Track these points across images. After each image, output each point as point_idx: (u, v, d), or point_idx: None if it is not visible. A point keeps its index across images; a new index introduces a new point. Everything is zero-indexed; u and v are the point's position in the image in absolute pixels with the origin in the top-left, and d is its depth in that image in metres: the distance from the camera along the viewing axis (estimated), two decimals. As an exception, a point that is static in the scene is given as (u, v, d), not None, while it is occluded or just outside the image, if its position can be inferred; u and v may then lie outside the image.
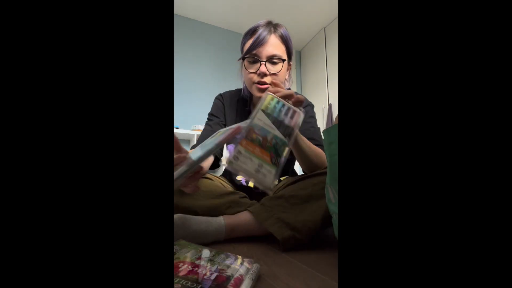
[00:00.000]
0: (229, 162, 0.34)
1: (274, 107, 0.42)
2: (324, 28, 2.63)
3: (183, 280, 0.30)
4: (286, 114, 0.43)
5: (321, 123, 2.51)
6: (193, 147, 0.77)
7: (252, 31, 0.72)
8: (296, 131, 0.42)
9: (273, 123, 0.40)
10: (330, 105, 2.47)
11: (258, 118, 0.39)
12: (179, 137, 2.13)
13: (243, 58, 0.72)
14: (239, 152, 0.35)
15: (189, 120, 2.28)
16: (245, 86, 0.79)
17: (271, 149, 0.37)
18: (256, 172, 0.34)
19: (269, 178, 0.34)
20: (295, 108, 0.44)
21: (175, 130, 2.03)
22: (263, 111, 0.40)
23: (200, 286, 0.29)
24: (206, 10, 2.43)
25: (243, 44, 0.74)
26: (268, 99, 0.43)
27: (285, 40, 0.72)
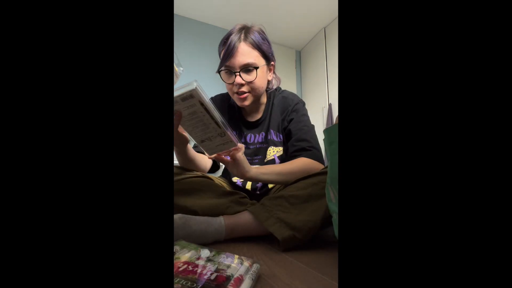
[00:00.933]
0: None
1: None
2: (324, 28, 2.62)
3: (183, 280, 0.30)
4: None
5: (321, 123, 2.51)
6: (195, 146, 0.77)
7: (224, 40, 0.70)
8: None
9: None
10: (330, 105, 2.47)
11: None
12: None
13: (219, 71, 0.71)
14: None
15: (189, 120, 2.28)
16: None
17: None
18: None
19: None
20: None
21: (175, 130, 2.03)
22: None
23: (200, 286, 0.29)
24: (206, 10, 2.43)
25: (219, 53, 0.73)
26: None
27: (257, 45, 0.70)
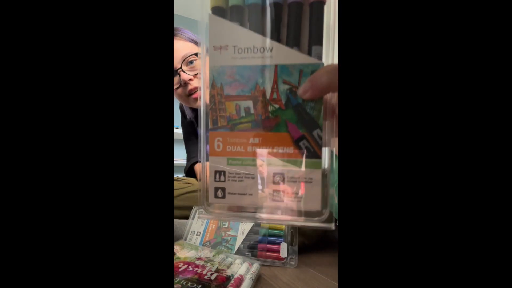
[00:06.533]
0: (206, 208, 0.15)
1: None
2: (324, 28, 2.62)
3: (183, 280, 0.30)
4: None
5: (321, 123, 2.51)
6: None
7: None
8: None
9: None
10: (330, 105, 2.47)
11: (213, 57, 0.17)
12: (179, 137, 2.13)
13: None
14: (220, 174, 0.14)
15: (189, 120, 2.28)
16: None
17: (290, 114, 0.16)
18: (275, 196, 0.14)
19: (314, 190, 0.15)
20: None
21: (175, 130, 2.02)
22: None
23: (200, 286, 0.29)
24: (206, 10, 2.43)
25: None
26: None
27: None
